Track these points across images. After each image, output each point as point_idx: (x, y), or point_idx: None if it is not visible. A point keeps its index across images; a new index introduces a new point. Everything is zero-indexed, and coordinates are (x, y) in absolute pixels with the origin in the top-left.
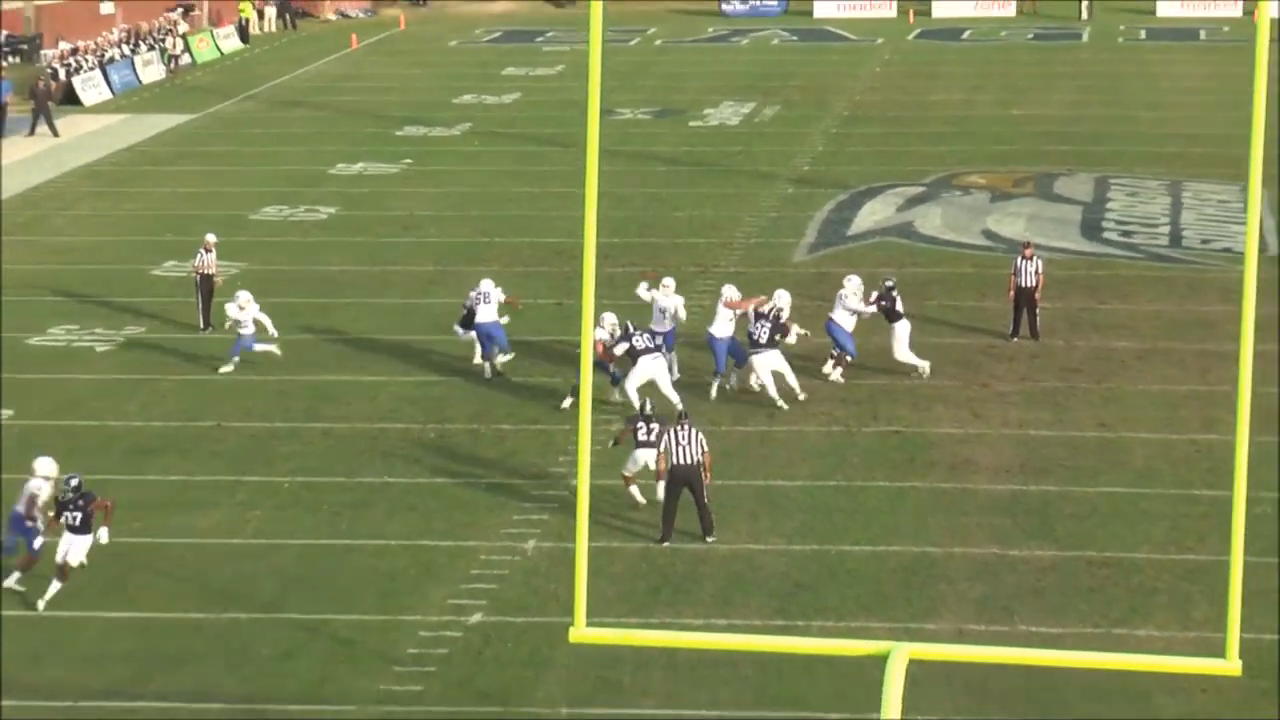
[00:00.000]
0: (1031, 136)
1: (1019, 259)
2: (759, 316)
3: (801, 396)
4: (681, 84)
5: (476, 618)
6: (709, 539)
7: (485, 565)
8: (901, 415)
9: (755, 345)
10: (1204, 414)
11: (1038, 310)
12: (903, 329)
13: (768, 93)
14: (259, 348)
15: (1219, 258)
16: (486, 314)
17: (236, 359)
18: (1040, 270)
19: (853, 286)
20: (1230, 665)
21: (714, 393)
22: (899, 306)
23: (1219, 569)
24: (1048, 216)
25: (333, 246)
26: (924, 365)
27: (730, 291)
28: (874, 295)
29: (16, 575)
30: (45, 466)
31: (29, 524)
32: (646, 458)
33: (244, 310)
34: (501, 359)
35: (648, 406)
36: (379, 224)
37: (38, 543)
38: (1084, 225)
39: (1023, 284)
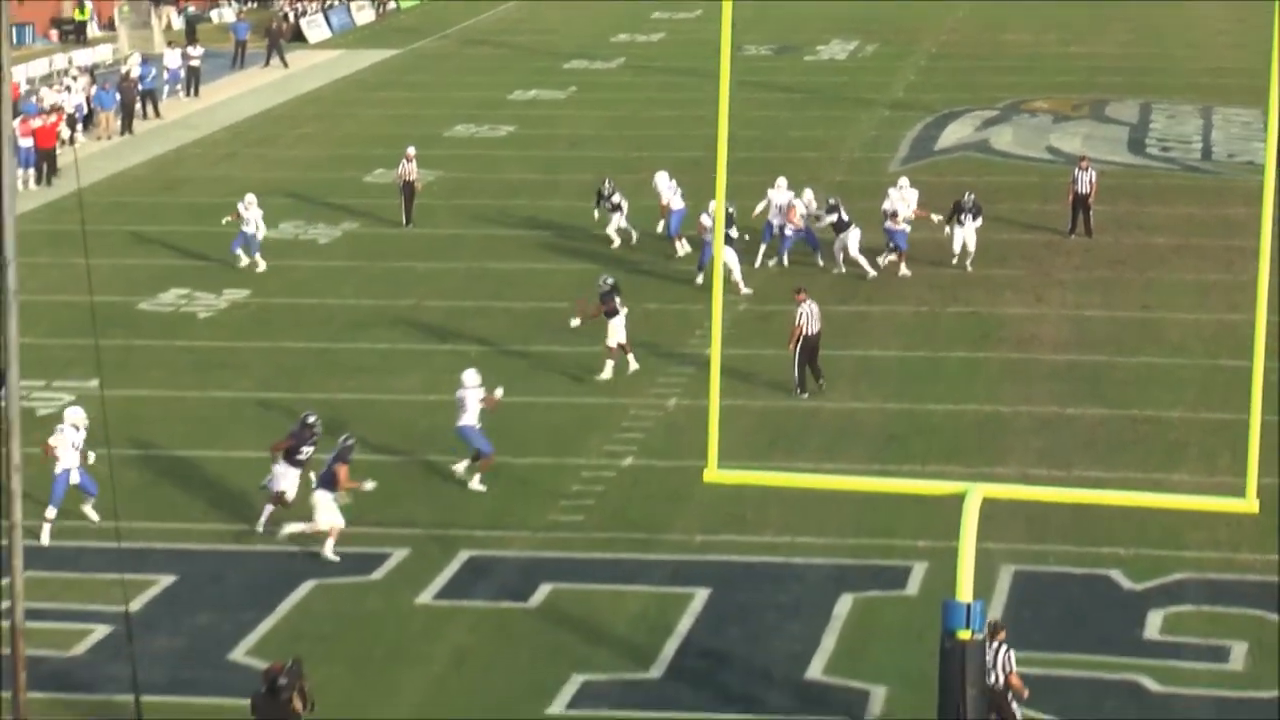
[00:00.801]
0: (1087, 70)
1: (1076, 169)
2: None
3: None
4: (798, 25)
5: (628, 461)
6: (821, 382)
7: (635, 419)
8: (977, 299)
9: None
10: (1229, 298)
11: (1091, 212)
12: (853, 236)
13: (869, 33)
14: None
15: (1243, 169)
16: (465, 418)
17: (238, 250)
18: (1094, 180)
19: (807, 198)
20: (1249, 504)
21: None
22: (844, 217)
23: (1240, 426)
24: (1100, 135)
25: (511, 159)
26: (871, 270)
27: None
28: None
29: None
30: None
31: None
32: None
33: (248, 210)
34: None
35: None
36: (549, 141)
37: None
38: (1130, 142)
39: (1079, 191)
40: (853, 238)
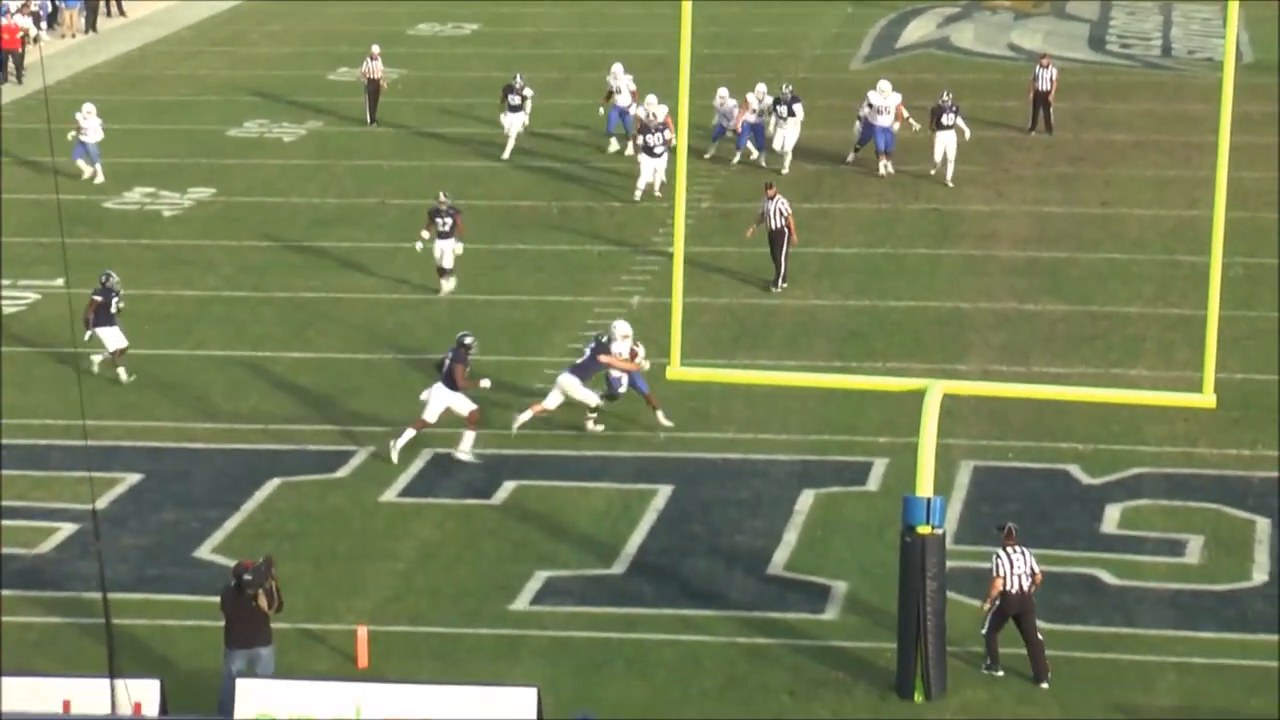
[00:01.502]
0: None
1: (1037, 67)
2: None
3: None
4: None
5: None
6: (781, 284)
7: (599, 316)
8: (938, 195)
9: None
10: (1188, 194)
11: (1052, 109)
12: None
13: None
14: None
15: (1202, 65)
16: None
17: (79, 160)
18: (1054, 77)
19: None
20: (1206, 399)
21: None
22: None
23: (1198, 321)
24: (1061, 32)
25: (475, 57)
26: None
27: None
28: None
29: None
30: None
31: None
32: None
33: (87, 119)
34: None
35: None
36: (513, 39)
37: None
38: (1091, 39)
39: (1040, 88)
40: (791, 132)
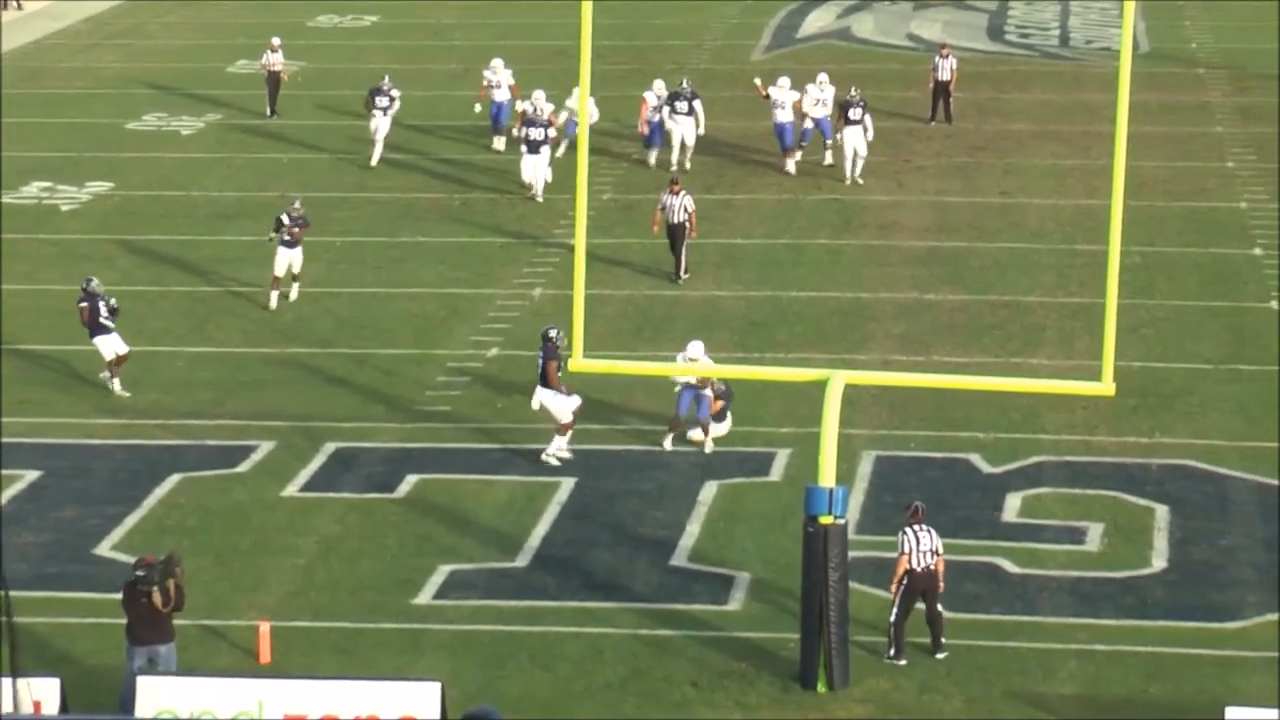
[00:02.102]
0: None
1: (937, 57)
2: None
3: None
4: None
5: (493, 352)
6: (683, 276)
7: (501, 309)
8: (839, 185)
9: None
10: (1086, 183)
11: (952, 99)
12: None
13: None
14: None
15: (1099, 55)
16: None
17: None
18: (954, 67)
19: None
20: (1105, 387)
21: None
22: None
23: (1096, 309)
24: (960, 22)
25: (374, 49)
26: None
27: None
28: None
29: None
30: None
31: None
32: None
33: None
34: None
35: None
36: (413, 30)
37: None
38: (990, 29)
39: (940, 78)
40: (689, 128)
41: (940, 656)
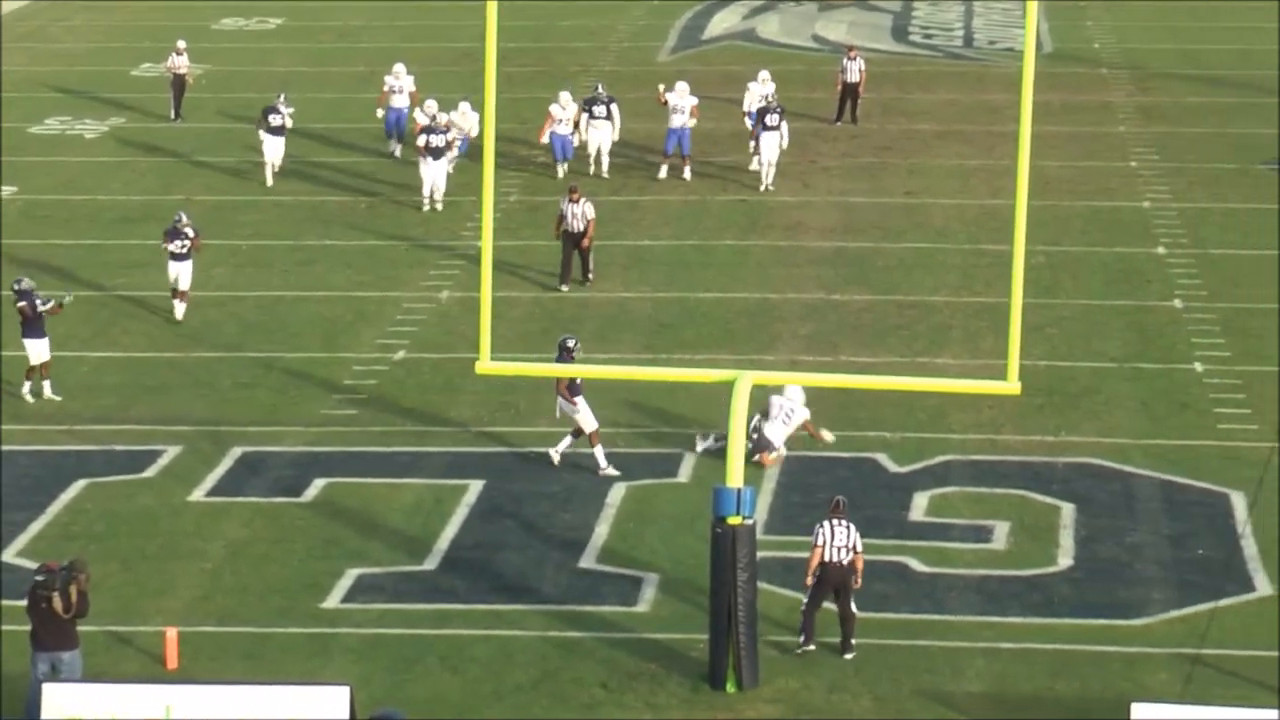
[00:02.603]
0: None
1: (845, 59)
2: None
3: None
4: None
5: (400, 355)
6: (589, 277)
7: (408, 312)
8: (747, 185)
9: None
10: (991, 183)
11: (859, 100)
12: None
13: None
14: None
15: (1003, 55)
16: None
17: None
18: (862, 69)
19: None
20: (1011, 386)
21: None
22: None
23: (1002, 309)
24: (864, 23)
25: (280, 51)
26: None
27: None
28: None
29: None
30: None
31: None
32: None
33: None
34: None
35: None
36: (319, 32)
37: None
38: (894, 30)
39: (848, 80)
40: (605, 134)
41: (848, 656)
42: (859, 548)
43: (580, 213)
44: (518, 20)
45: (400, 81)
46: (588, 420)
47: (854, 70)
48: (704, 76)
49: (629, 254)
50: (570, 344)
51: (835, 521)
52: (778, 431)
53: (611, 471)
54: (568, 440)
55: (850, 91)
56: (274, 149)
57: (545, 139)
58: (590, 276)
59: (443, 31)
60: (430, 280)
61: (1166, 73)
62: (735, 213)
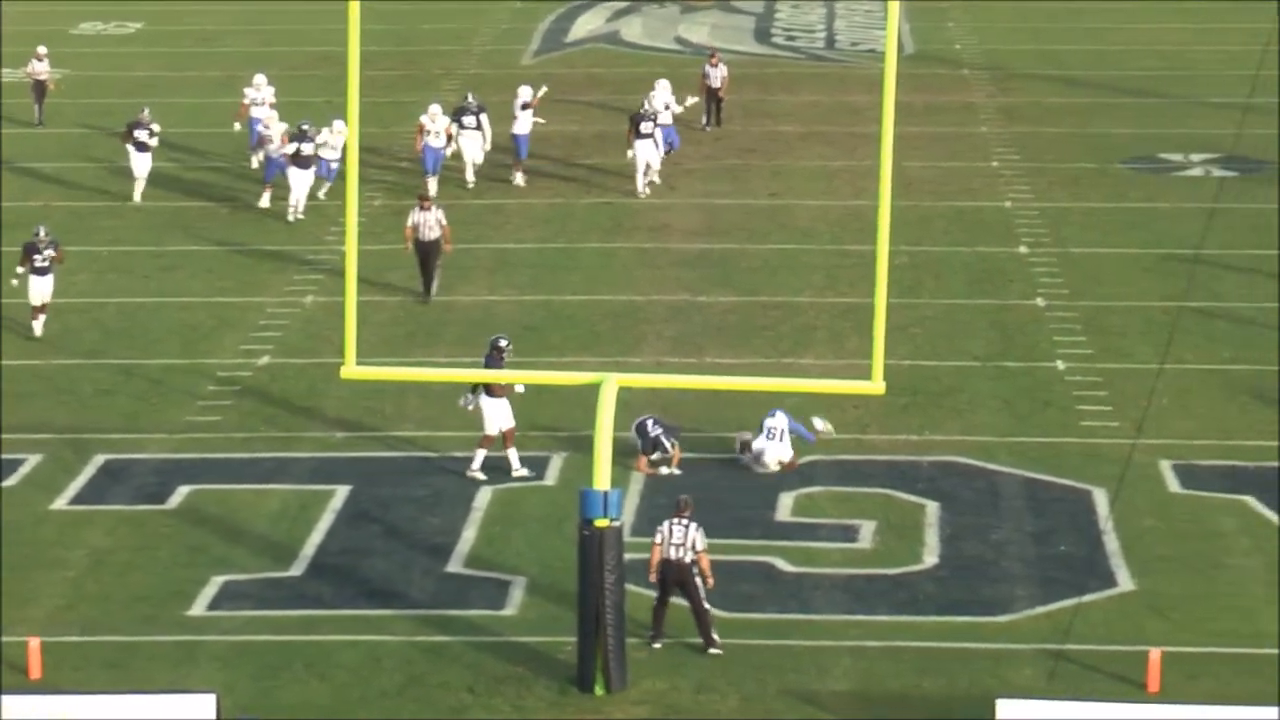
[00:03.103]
0: None
1: (707, 64)
2: None
3: None
4: None
5: (264, 360)
6: (431, 293)
7: (271, 317)
8: (611, 187)
9: None
10: (854, 183)
11: (722, 104)
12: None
13: None
14: None
15: (865, 57)
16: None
17: None
18: (725, 75)
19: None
20: (876, 386)
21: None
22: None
23: (866, 309)
24: (727, 25)
25: (140, 56)
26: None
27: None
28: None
29: None
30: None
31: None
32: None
33: None
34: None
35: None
36: (178, 37)
37: None
38: (757, 32)
39: (710, 85)
40: (475, 143)
41: (712, 652)
42: (699, 546)
43: (435, 220)
44: (380, 24)
45: (261, 93)
46: (491, 424)
47: (716, 76)
48: (568, 79)
49: (494, 257)
50: (502, 344)
51: (676, 521)
52: (780, 449)
53: (525, 472)
54: (482, 455)
55: (713, 96)
56: (141, 165)
57: (419, 148)
58: (433, 293)
59: (303, 36)
60: (294, 285)
61: (1027, 73)
62: (600, 215)
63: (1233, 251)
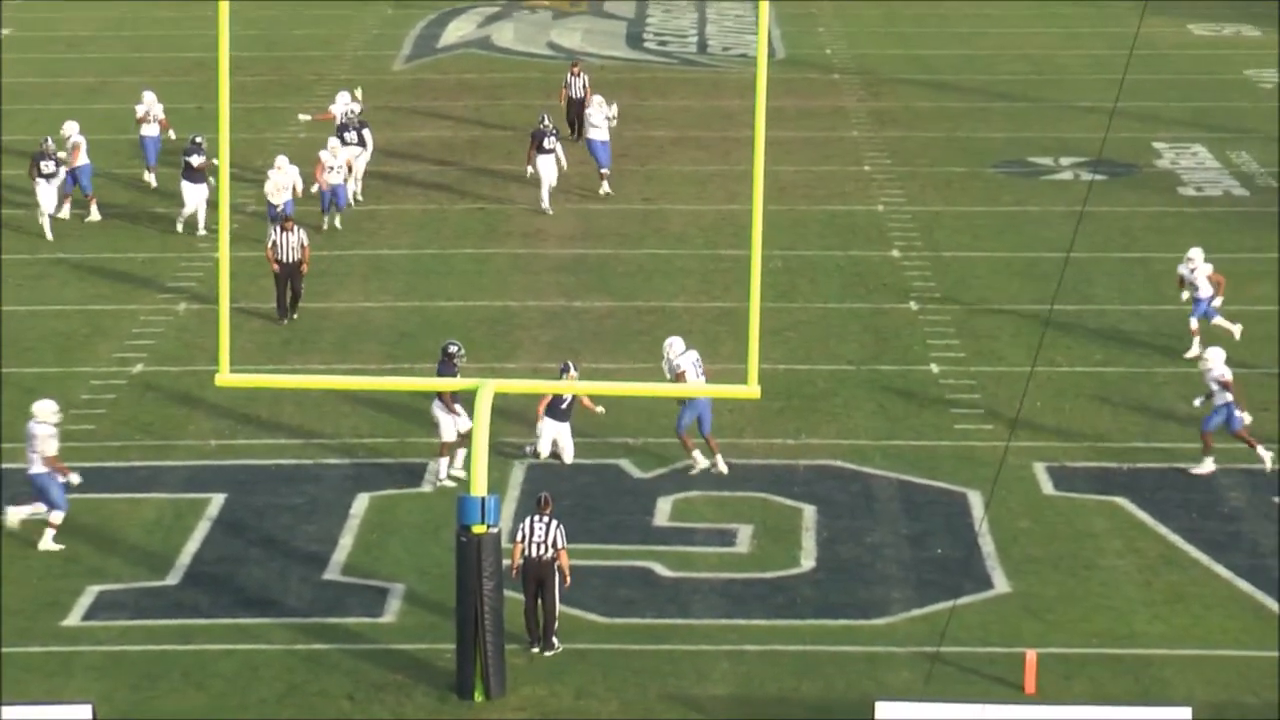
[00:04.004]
0: None
1: (569, 75)
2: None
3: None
4: None
5: (138, 368)
6: (292, 315)
7: (145, 325)
8: (484, 194)
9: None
10: (727, 188)
11: (588, 113)
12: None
13: None
14: None
15: (737, 62)
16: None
17: None
18: (587, 83)
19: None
20: (751, 390)
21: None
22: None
23: (741, 313)
24: (600, 30)
25: (8, 63)
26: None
27: None
28: None
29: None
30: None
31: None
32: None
33: None
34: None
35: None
36: (47, 43)
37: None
38: (629, 37)
39: (573, 95)
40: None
41: (549, 654)
42: (559, 544)
43: (298, 241)
44: (250, 29)
45: (152, 109)
46: (449, 431)
47: (578, 85)
48: (440, 85)
49: (368, 263)
50: (452, 349)
51: (536, 518)
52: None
53: (449, 483)
54: (460, 457)
55: (577, 107)
56: (48, 196)
57: (317, 188)
58: (295, 314)
59: (173, 41)
60: (167, 293)
61: (897, 78)
62: (474, 221)
63: (1102, 254)
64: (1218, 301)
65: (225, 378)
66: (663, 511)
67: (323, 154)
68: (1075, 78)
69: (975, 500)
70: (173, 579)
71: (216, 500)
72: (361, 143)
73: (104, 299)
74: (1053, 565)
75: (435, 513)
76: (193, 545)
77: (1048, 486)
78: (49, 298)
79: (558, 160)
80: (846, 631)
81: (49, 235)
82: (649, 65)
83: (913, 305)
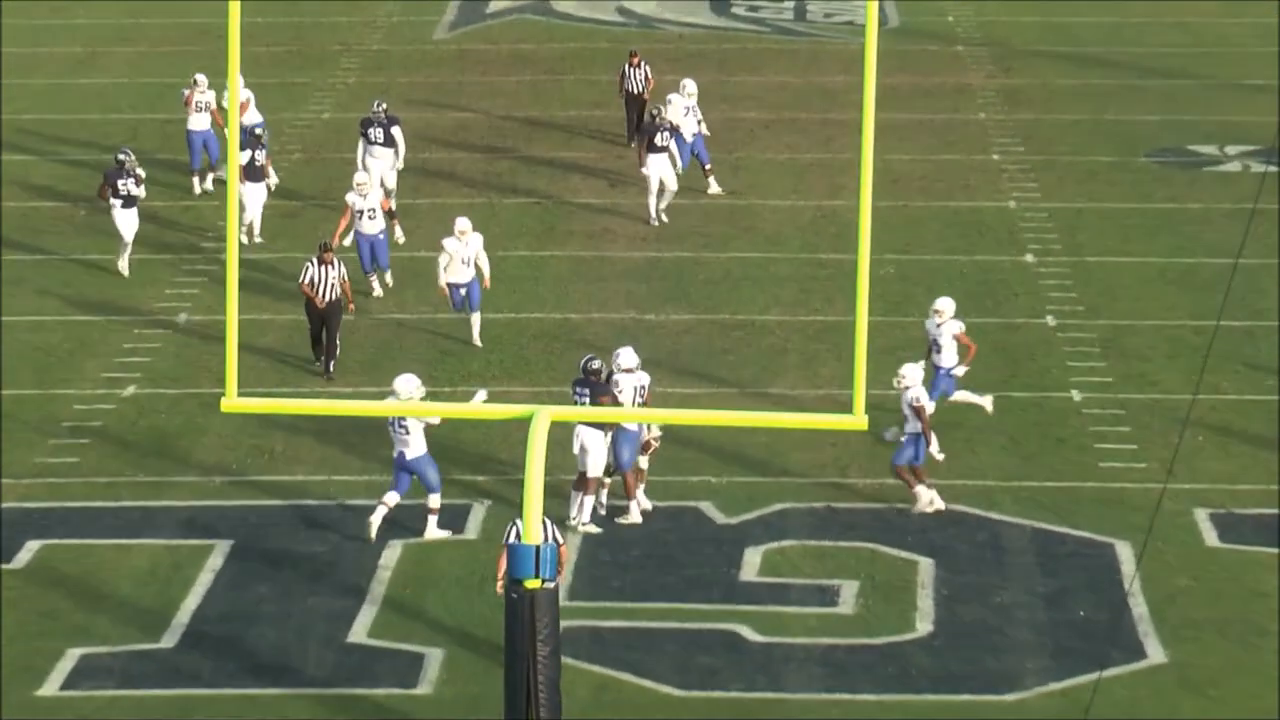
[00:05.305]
0: None
1: (626, 65)
2: None
3: None
4: None
5: (130, 390)
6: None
7: (138, 339)
8: (540, 187)
9: None
10: (829, 181)
11: (645, 109)
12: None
13: None
14: None
15: (841, 30)
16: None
17: None
18: (648, 75)
19: None
20: (857, 420)
21: None
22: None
23: (845, 329)
24: None
25: None
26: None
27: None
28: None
29: None
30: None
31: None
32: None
33: None
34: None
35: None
36: (30, 8)
37: None
38: (713, 2)
39: (630, 90)
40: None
41: None
42: (560, 541)
43: (339, 275)
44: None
45: (204, 97)
46: (597, 464)
47: (637, 79)
48: (490, 57)
49: (404, 268)
50: (595, 365)
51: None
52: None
53: (592, 528)
54: (591, 503)
55: (635, 103)
56: (128, 226)
57: (340, 240)
58: (332, 370)
59: (173, 6)
60: (166, 300)
61: (1032, 50)
62: (529, 218)
63: (1276, 260)
64: (961, 370)
65: (232, 402)
66: (751, 564)
67: (349, 197)
68: (1243, 50)
69: (1125, 553)
70: (168, 641)
71: (221, 547)
72: (390, 142)
73: (90, 308)
74: (1217, 631)
75: (480, 564)
76: (192, 601)
77: (1211, 537)
78: (25, 307)
79: (672, 160)
80: (970, 709)
81: (125, 273)
82: (737, 34)
83: (1050, 320)
